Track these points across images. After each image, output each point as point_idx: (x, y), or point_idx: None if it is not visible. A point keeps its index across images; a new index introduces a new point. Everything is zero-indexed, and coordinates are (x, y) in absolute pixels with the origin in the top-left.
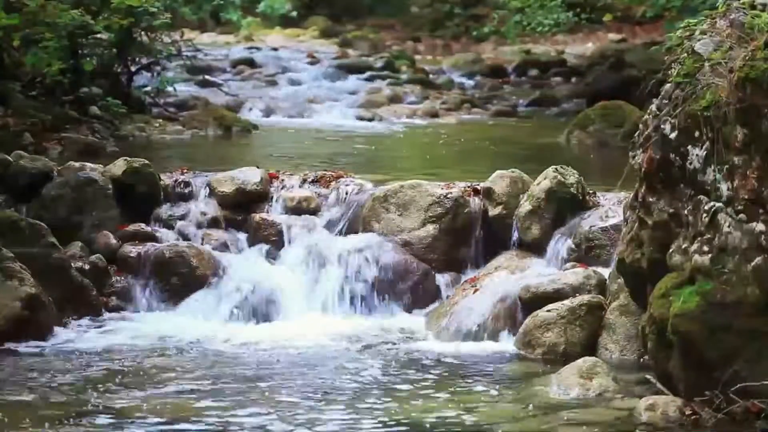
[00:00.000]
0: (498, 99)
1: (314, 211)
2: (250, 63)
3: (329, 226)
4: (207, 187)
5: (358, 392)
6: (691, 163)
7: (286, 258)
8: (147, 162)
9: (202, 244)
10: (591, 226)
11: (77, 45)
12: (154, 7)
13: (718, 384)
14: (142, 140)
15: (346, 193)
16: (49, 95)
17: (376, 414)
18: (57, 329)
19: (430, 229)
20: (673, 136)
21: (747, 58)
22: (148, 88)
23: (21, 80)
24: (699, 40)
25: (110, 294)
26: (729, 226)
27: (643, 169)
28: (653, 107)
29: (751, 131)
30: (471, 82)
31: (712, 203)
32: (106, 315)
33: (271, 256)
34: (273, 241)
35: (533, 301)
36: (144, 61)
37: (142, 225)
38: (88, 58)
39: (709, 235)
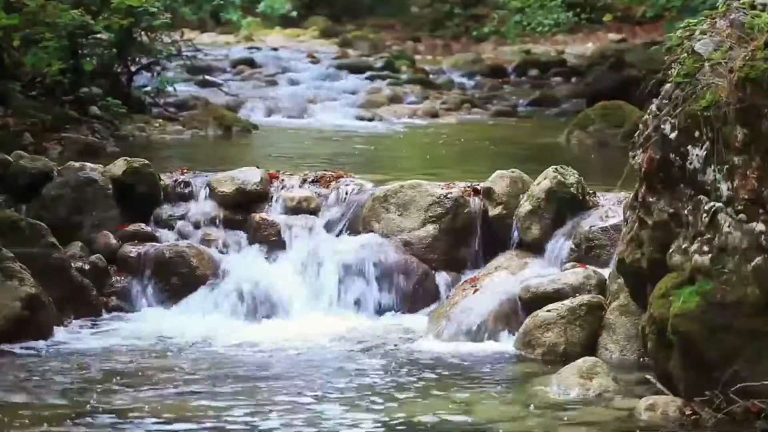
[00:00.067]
0: (498, 99)
1: (314, 211)
2: (250, 63)
3: (329, 226)
4: (207, 187)
5: (357, 392)
6: (691, 163)
7: (286, 258)
8: (147, 162)
9: (201, 244)
10: (591, 226)
11: (77, 45)
12: (154, 7)
13: (718, 384)
14: (142, 140)
15: (346, 193)
16: (49, 95)
17: (375, 414)
18: (57, 329)
19: (430, 229)
20: (673, 136)
21: (747, 58)
22: (148, 88)
23: (21, 80)
24: (699, 40)
25: (110, 294)
26: (729, 226)
27: (643, 169)
28: (653, 107)
29: (751, 131)
30: (471, 82)
31: (712, 203)
32: (106, 315)
33: (271, 256)
34: (273, 241)
35: (533, 301)
36: (144, 61)
37: (142, 225)
38: (88, 58)
39: (709, 235)
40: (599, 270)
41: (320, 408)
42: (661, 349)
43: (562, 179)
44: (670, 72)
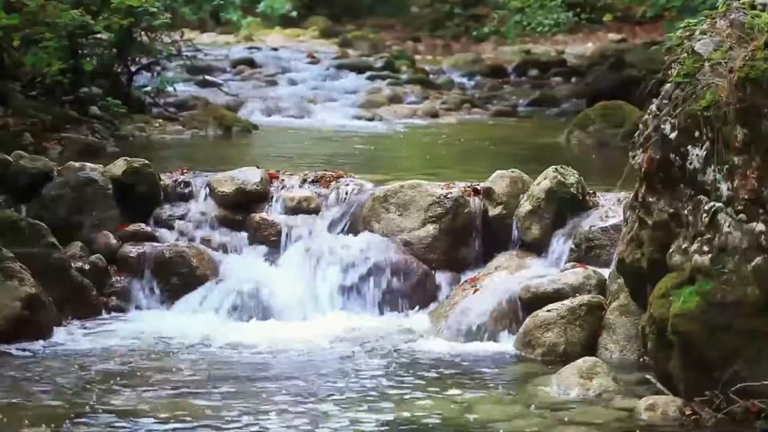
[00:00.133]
0: (498, 99)
1: (314, 211)
2: (250, 63)
3: (329, 226)
4: (207, 187)
5: (357, 392)
6: (691, 163)
7: (285, 258)
8: (147, 162)
9: (201, 244)
10: (591, 226)
11: (77, 45)
12: (154, 7)
13: (718, 384)
14: (142, 140)
15: (346, 193)
16: (49, 95)
17: (375, 414)
18: (57, 329)
19: (430, 229)
20: (673, 136)
21: (747, 58)
22: (148, 88)
23: (21, 80)
24: (699, 40)
25: (110, 294)
26: (729, 226)
27: (643, 169)
28: (653, 107)
29: (751, 131)
30: (471, 82)
31: (712, 203)
32: (106, 315)
33: (271, 257)
34: (273, 241)
35: (533, 301)
36: (144, 61)
37: (142, 225)
38: (88, 58)
39: (709, 235)
40: (599, 270)
41: (320, 408)
42: (661, 349)
43: (562, 179)
44: (670, 72)
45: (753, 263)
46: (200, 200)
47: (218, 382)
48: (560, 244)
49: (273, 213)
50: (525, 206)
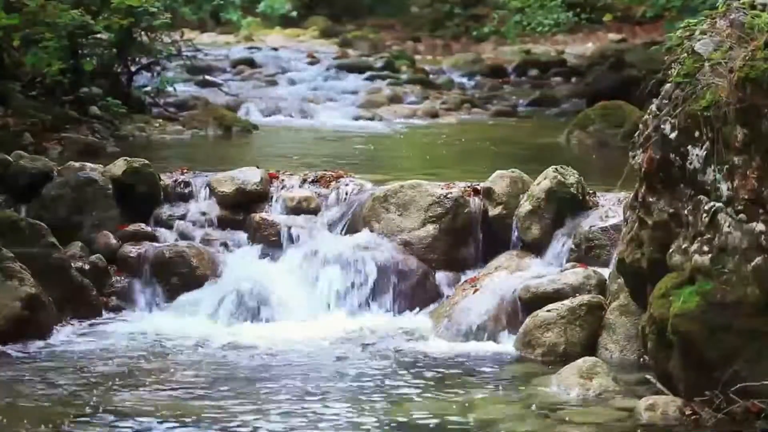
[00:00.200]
0: (498, 99)
1: (314, 211)
2: (250, 63)
3: (329, 226)
4: (207, 187)
5: (357, 392)
6: (691, 163)
7: (285, 258)
8: (147, 162)
9: (201, 244)
10: (591, 226)
11: (77, 45)
12: (154, 7)
13: (718, 384)
14: (142, 140)
15: (346, 193)
16: (49, 95)
17: (375, 414)
18: (57, 329)
19: (430, 229)
20: (673, 136)
21: (747, 58)
22: (148, 88)
23: (21, 80)
24: (699, 40)
25: (110, 294)
26: (729, 226)
27: (643, 169)
28: (653, 107)
29: (751, 131)
30: (471, 82)
31: (712, 203)
32: (106, 315)
33: (271, 256)
34: (273, 241)
35: (533, 301)
36: (144, 61)
37: (142, 225)
38: (88, 58)
39: (709, 235)
40: (599, 270)
41: (320, 408)
42: (661, 349)
43: (562, 179)
44: (670, 72)
45: (753, 263)
46: (200, 200)
47: (218, 382)
48: (560, 244)
49: (273, 213)
50: (525, 206)
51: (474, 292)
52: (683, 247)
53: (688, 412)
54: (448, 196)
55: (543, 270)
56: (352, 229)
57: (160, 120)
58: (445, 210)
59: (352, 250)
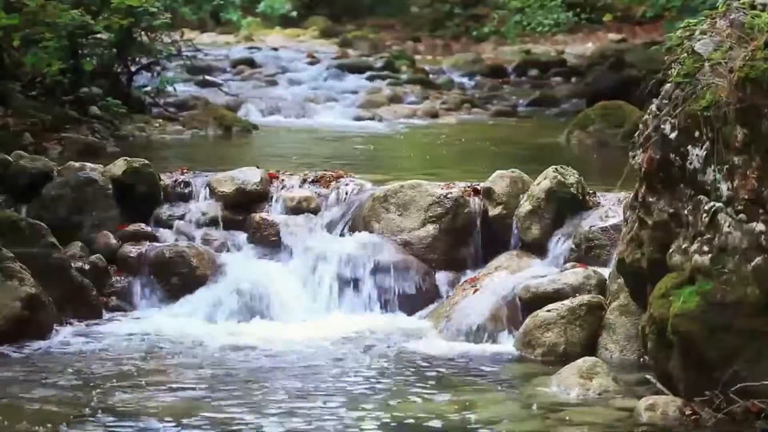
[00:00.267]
0: (498, 99)
1: (314, 211)
2: (250, 63)
3: (329, 226)
4: (207, 187)
5: (357, 392)
6: (691, 163)
7: (285, 258)
8: (147, 162)
9: (201, 244)
10: (591, 226)
11: (77, 45)
12: (154, 7)
13: (718, 384)
14: (142, 140)
15: (346, 193)
16: (49, 95)
17: (375, 414)
18: (57, 329)
19: (430, 229)
20: (673, 136)
21: (747, 58)
22: (148, 88)
23: (21, 80)
24: (699, 40)
25: (110, 294)
26: (729, 226)
27: (643, 169)
28: (653, 107)
29: (751, 131)
30: (471, 82)
31: (712, 203)
32: (106, 315)
33: (271, 257)
34: (273, 241)
35: (533, 301)
36: (144, 61)
37: (142, 225)
38: (88, 58)
39: (709, 235)
40: (599, 270)
41: (319, 408)
42: (661, 349)
43: (562, 179)
44: (670, 72)
45: (753, 263)
46: (200, 200)
47: (218, 382)
48: (560, 244)
49: (273, 213)
50: (525, 206)
51: (474, 292)
52: (683, 247)
53: (688, 412)
54: (448, 196)
55: (543, 270)
56: (352, 229)
57: (160, 120)
58: (445, 210)
59: (352, 250)
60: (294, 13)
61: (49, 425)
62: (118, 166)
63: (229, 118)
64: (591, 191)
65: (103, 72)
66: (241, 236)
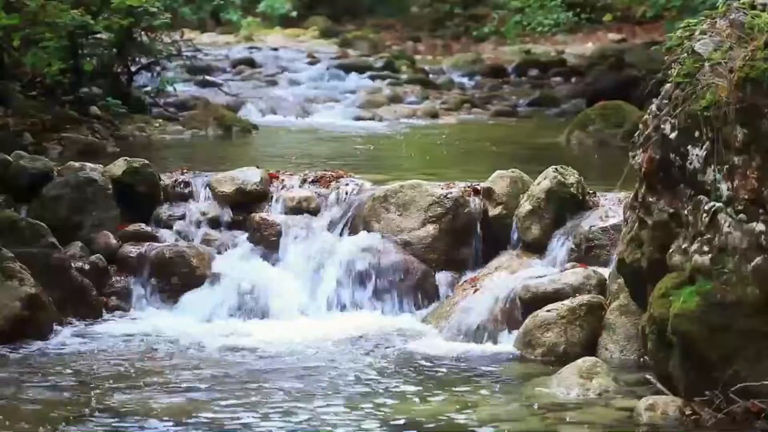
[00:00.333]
0: (498, 99)
1: (314, 211)
2: (250, 63)
3: (329, 226)
4: (207, 187)
5: (357, 392)
6: (691, 163)
7: (285, 258)
8: (147, 162)
9: (201, 244)
10: (591, 226)
11: (77, 45)
12: (154, 7)
13: (718, 384)
14: (142, 140)
15: (346, 193)
16: (49, 95)
17: (375, 414)
18: (57, 329)
19: (430, 229)
20: (673, 136)
21: (747, 58)
22: (148, 88)
23: (21, 80)
24: (699, 40)
25: (110, 294)
26: (729, 226)
27: (643, 169)
28: (653, 107)
29: (751, 131)
30: (471, 82)
31: (712, 203)
32: (106, 315)
33: (271, 257)
34: (273, 241)
35: (533, 301)
36: (144, 61)
37: (142, 225)
38: (88, 58)
39: (709, 235)
40: (599, 270)
41: (319, 408)
42: (661, 349)
43: (562, 179)
44: (670, 72)
45: (753, 263)
46: (200, 200)
47: (218, 381)
48: (560, 244)
49: (273, 213)
50: (525, 206)
51: (474, 292)
52: (683, 247)
53: (688, 412)
54: (448, 196)
55: (543, 270)
56: (352, 229)
57: (160, 120)
58: (445, 210)
59: (352, 250)
60: (294, 13)
61: (48, 425)
62: (118, 166)
63: (229, 118)
64: (591, 191)
65: (103, 72)
66: (241, 236)
